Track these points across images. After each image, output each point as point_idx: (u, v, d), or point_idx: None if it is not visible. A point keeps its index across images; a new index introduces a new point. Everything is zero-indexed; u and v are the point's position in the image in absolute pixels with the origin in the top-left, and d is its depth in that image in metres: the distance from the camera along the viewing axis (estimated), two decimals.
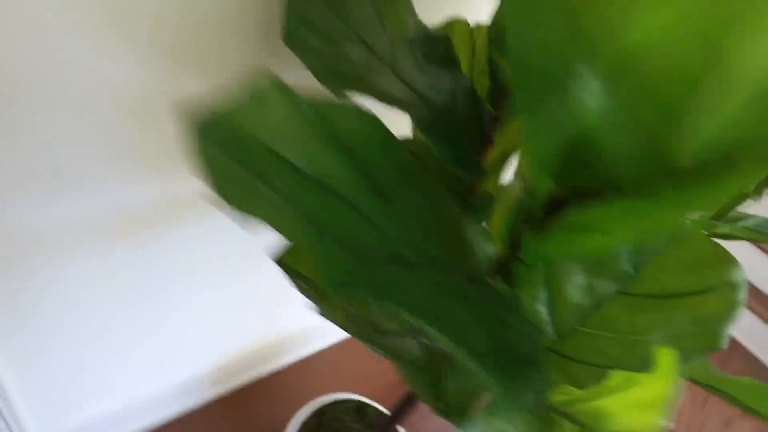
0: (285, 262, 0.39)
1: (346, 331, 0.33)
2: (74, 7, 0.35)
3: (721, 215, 0.47)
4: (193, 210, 0.57)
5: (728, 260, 0.31)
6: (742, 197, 0.44)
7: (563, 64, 0.17)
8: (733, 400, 0.38)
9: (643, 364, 0.30)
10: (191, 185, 0.54)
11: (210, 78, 0.46)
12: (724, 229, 0.45)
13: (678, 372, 0.29)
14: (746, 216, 0.48)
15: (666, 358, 0.29)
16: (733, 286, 0.30)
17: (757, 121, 0.15)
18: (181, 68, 0.44)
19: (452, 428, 0.31)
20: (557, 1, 0.16)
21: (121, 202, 0.50)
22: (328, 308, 0.36)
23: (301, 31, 0.35)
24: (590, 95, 0.17)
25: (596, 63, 0.16)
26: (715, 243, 0.31)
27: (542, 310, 0.36)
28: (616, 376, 0.32)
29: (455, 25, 0.47)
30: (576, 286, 0.34)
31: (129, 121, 0.45)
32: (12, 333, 0.54)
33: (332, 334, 1.05)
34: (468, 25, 0.47)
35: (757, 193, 0.44)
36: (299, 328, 0.97)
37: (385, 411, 0.85)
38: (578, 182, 0.21)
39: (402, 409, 0.58)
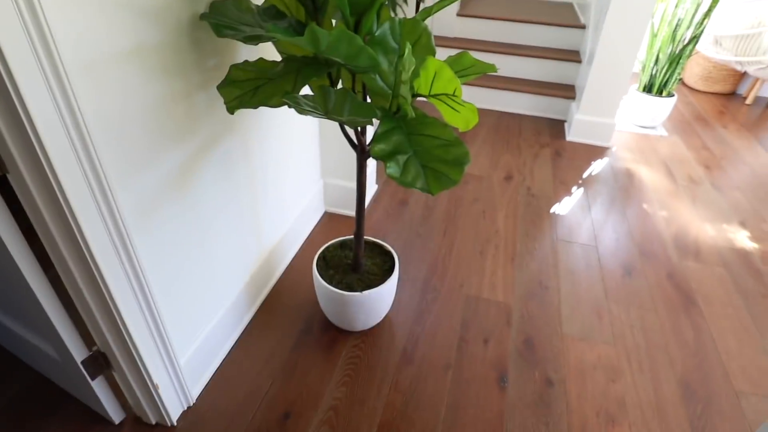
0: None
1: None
2: None
3: None
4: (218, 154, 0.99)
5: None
6: None
7: None
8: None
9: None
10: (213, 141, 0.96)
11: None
12: None
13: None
14: None
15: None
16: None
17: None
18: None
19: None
20: None
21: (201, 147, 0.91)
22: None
23: (223, 27, 0.81)
24: None
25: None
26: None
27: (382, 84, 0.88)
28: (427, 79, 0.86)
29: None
30: (388, 64, 0.87)
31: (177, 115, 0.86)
32: (162, 263, 0.93)
33: (304, 230, 1.52)
34: None
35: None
36: (282, 233, 1.43)
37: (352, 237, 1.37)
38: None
39: (359, 231, 1.10)
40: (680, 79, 3.68)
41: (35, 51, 0.58)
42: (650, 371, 1.28)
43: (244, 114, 1.16)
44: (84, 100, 0.68)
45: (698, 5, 2.47)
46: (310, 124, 1.60)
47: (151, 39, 0.80)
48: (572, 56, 2.87)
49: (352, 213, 1.85)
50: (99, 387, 1.02)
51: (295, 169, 1.53)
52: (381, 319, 1.35)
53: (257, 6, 0.92)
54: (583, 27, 2.94)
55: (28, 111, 0.60)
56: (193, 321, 1.10)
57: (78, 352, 0.95)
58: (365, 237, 1.38)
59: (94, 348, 0.96)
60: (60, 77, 0.62)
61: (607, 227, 1.87)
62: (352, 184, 1.77)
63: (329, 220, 1.82)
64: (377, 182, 2.09)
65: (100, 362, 0.97)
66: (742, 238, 1.84)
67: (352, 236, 1.37)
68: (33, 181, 0.66)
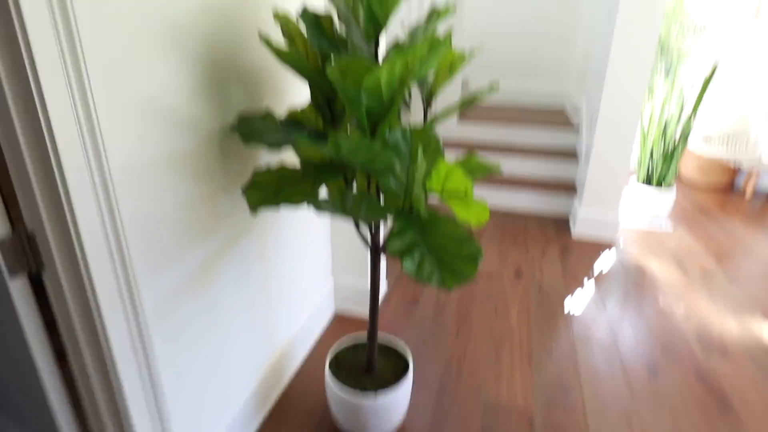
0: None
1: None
2: None
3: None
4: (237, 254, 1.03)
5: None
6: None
7: (355, 95, 0.77)
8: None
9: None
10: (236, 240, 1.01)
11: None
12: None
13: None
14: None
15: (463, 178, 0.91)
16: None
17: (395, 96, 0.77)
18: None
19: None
20: (349, 82, 0.76)
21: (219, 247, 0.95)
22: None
23: (251, 136, 0.90)
24: (361, 103, 0.77)
25: (359, 95, 0.76)
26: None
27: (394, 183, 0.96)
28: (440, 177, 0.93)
29: (294, 112, 1.06)
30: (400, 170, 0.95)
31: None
32: (176, 366, 0.92)
33: (317, 326, 1.51)
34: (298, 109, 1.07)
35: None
36: (294, 332, 1.41)
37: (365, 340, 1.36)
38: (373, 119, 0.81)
39: (373, 330, 1.12)
40: (677, 173, 3.84)
41: (87, 156, 0.66)
42: None
43: (261, 215, 1.22)
44: (123, 202, 0.74)
45: (682, 106, 2.67)
46: (323, 223, 1.67)
47: (186, 147, 0.88)
48: (569, 155, 3.04)
49: (363, 312, 1.84)
50: None
51: (308, 268, 1.57)
52: (395, 426, 1.29)
53: (281, 118, 1.03)
54: (576, 128, 3.15)
55: (74, 213, 0.65)
56: (201, 425, 1.06)
57: None
58: (381, 332, 1.37)
59: None
60: (105, 181, 0.68)
61: (624, 324, 1.84)
62: (363, 283, 1.79)
63: (339, 320, 1.81)
64: (387, 280, 2.11)
65: None
66: None
67: (365, 335, 1.36)
68: (67, 278, 0.70)
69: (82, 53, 0.64)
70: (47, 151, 0.62)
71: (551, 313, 1.90)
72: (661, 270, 2.29)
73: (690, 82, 3.16)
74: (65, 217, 0.66)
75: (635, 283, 2.16)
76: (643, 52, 2.28)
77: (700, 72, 3.09)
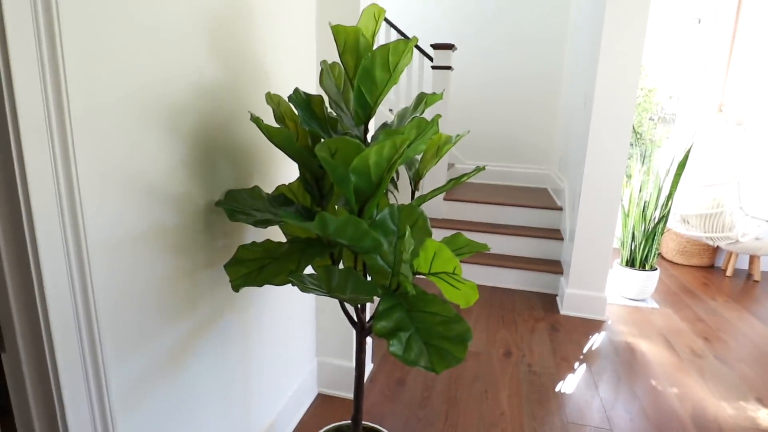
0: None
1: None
2: None
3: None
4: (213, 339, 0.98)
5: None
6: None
7: (344, 175, 0.77)
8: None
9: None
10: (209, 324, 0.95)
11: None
12: None
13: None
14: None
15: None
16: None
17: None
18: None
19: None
20: (338, 162, 0.76)
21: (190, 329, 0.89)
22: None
23: (237, 213, 0.89)
24: (350, 182, 0.77)
25: (348, 174, 0.76)
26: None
27: (382, 263, 0.94)
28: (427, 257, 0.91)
29: (282, 188, 1.06)
30: (388, 244, 0.94)
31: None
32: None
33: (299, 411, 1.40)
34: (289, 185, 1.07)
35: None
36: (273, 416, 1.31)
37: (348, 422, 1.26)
38: (361, 200, 0.81)
39: (357, 417, 1.06)
40: (659, 253, 3.89)
41: (65, 235, 0.63)
42: None
43: (244, 291, 1.18)
44: (98, 281, 0.70)
45: (659, 190, 2.76)
46: (308, 301, 1.62)
47: (169, 222, 0.86)
48: (554, 234, 3.08)
49: (347, 394, 1.74)
50: None
51: (291, 348, 1.50)
52: None
53: (267, 194, 1.02)
54: (559, 209, 3.22)
55: (43, 286, 0.62)
56: None
57: None
58: (363, 422, 1.28)
59: None
60: (82, 260, 0.65)
61: (618, 407, 1.76)
62: (348, 363, 1.71)
63: (322, 402, 1.70)
64: (373, 361, 2.02)
65: None
66: (765, 417, 1.73)
67: (349, 421, 1.27)
68: (29, 362, 0.65)
69: (71, 127, 0.63)
70: (22, 229, 0.60)
71: (543, 396, 1.82)
72: (650, 350, 2.24)
73: (664, 167, 3.30)
74: (34, 297, 0.62)
75: (626, 363, 2.10)
76: (619, 139, 2.39)
77: (673, 157, 3.25)
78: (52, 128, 0.61)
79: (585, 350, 2.22)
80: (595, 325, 2.51)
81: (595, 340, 2.33)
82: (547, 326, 2.47)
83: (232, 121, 1.05)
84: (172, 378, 0.93)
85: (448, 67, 3.28)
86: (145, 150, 0.78)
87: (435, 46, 3.26)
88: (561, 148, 3.78)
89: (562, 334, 2.39)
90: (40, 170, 0.60)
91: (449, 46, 3.23)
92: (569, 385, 1.91)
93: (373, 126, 1.89)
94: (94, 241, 0.69)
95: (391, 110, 3.71)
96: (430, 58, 3.46)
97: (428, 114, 3.67)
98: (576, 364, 2.08)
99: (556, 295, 2.90)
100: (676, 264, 3.66)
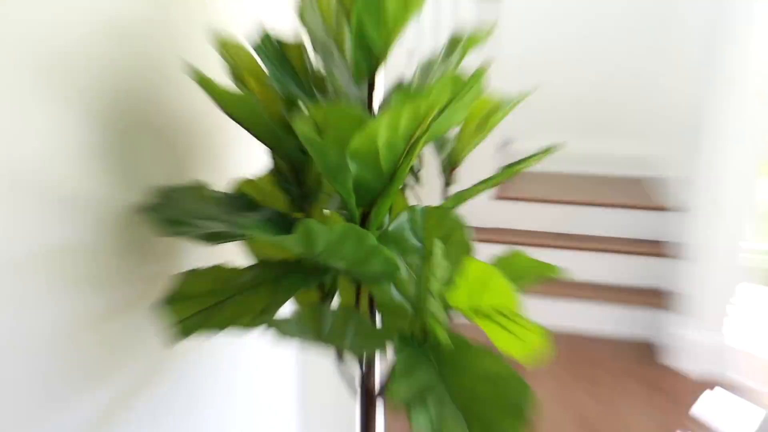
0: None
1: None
2: None
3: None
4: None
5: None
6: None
7: (338, 163, 0.73)
8: None
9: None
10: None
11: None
12: None
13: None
14: None
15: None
16: None
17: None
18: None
19: None
20: (329, 143, 0.73)
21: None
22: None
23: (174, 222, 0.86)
24: (348, 173, 0.74)
25: (345, 161, 0.73)
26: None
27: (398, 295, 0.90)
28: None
29: (244, 184, 1.03)
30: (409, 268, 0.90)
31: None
32: None
33: None
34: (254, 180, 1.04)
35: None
36: None
37: None
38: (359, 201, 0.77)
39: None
40: None
41: None
42: None
43: (188, 344, 1.16)
44: None
45: None
46: (287, 355, 1.60)
47: (68, 237, 0.84)
48: (655, 248, 3.03)
49: None
50: None
51: (262, 427, 1.47)
52: None
53: (221, 193, 0.99)
54: (667, 209, 3.16)
55: None
56: None
57: None
58: None
59: None
60: None
61: None
62: None
63: None
64: None
65: None
66: None
67: None
68: None
69: None
70: None
71: None
72: None
73: None
74: None
75: None
76: None
77: None
78: None
79: (704, 427, 2.18)
80: (719, 387, 2.47)
81: (719, 410, 2.29)
82: (646, 388, 2.45)
83: (164, 81, 1.02)
84: None
85: None
86: (26, 128, 0.76)
87: None
88: (680, 112, 3.69)
89: (669, 400, 2.36)
90: None
91: None
92: None
93: (382, 84, 1.86)
94: None
95: (410, 54, 3.68)
96: None
97: (470, 63, 3.64)
98: None
99: (659, 343, 2.88)
100: None
